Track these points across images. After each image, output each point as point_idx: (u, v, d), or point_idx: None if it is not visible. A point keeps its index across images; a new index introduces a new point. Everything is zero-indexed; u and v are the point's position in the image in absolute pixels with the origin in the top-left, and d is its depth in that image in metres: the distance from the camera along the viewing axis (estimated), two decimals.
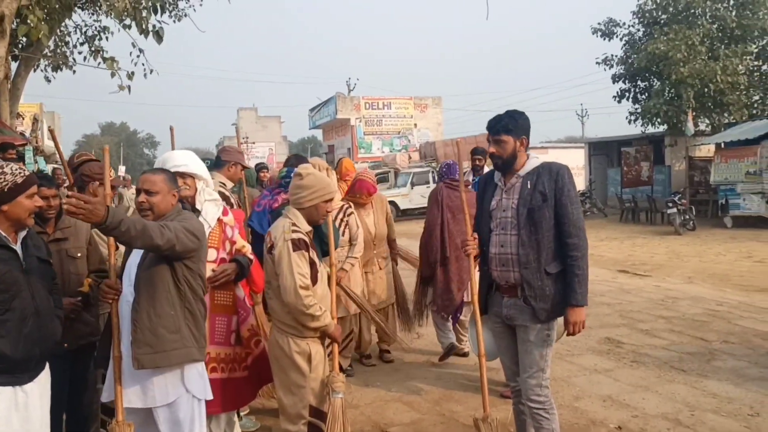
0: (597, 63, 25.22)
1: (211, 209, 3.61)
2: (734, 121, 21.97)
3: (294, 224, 3.46)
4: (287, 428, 3.53)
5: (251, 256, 3.85)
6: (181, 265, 3.01)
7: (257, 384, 3.73)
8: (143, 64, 9.53)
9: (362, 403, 5.11)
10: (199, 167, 3.64)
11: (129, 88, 8.67)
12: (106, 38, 10.82)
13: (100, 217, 2.52)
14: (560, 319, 3.45)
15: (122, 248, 3.23)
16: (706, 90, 21.28)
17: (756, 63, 23.10)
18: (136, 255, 3.07)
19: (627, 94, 25.11)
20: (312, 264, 3.47)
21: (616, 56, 24.89)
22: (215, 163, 5.00)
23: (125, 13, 7.96)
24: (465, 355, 6.15)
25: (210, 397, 3.21)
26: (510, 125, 3.42)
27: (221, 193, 4.80)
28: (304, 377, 3.47)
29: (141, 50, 9.50)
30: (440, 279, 5.77)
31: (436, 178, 6.48)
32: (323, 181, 3.62)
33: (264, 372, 3.71)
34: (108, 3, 8.10)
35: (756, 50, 22.62)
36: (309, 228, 3.56)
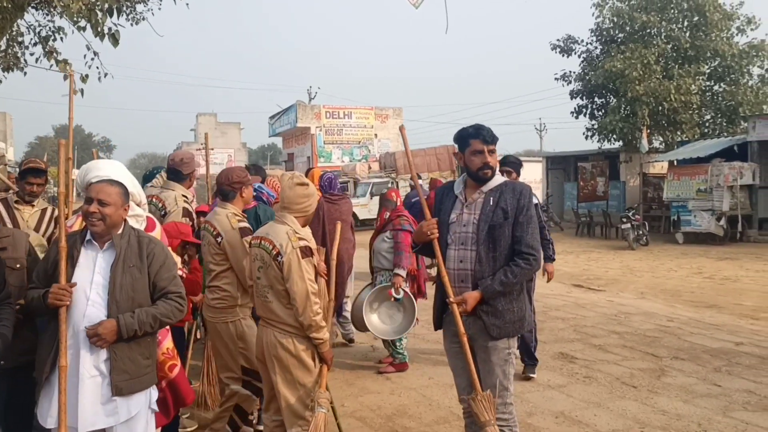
0: (555, 79, 25.67)
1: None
2: (687, 139, 22.58)
3: (296, 231, 3.61)
4: (294, 423, 3.59)
5: (179, 272, 3.72)
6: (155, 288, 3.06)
7: (173, 407, 3.58)
8: (97, 67, 9.31)
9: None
10: (123, 180, 3.41)
11: (82, 91, 8.45)
12: (61, 39, 10.54)
13: (115, 337, 2.85)
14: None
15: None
16: (660, 108, 21.82)
17: (708, 83, 23.80)
18: (88, 271, 2.94)
19: (584, 110, 25.56)
20: (314, 268, 3.67)
21: (574, 72, 25.35)
22: (176, 176, 4.82)
23: (80, 15, 7.75)
24: (351, 341, 7.33)
25: (157, 408, 3.18)
26: (496, 137, 3.44)
27: (185, 209, 4.65)
28: (310, 374, 3.61)
29: (95, 53, 9.27)
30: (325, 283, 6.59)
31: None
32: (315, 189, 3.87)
33: (179, 396, 3.57)
34: (62, 4, 7.87)
35: (708, 71, 23.30)
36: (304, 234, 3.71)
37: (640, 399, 5.38)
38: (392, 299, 5.97)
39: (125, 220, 3.11)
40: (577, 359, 6.59)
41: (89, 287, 2.92)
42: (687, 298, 10.33)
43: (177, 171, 4.80)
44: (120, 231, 3.04)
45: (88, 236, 3.01)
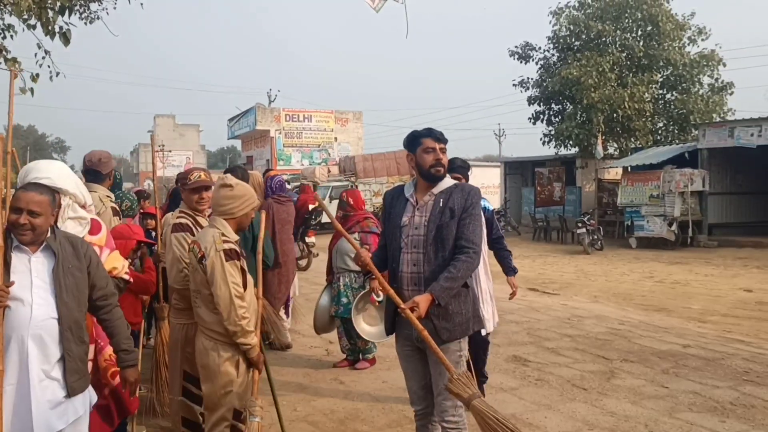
0: (514, 85, 26.03)
1: (73, 228, 3.36)
2: (640, 146, 23.12)
3: (223, 234, 3.53)
4: (213, 429, 3.58)
5: (126, 276, 3.65)
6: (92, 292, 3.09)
7: (116, 416, 3.51)
8: (48, 66, 9.10)
9: (265, 424, 4.96)
10: (66, 182, 3.37)
11: (32, 90, 8.24)
12: (11, 37, 10.29)
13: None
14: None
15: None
16: (614, 115, 22.30)
17: (660, 92, 24.42)
18: (24, 275, 2.83)
19: (542, 116, 25.97)
20: (243, 272, 3.57)
21: (532, 79, 25.72)
22: (95, 177, 4.67)
23: (30, 12, 7.57)
24: (289, 346, 7.16)
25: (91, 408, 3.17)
26: (446, 138, 3.48)
27: (114, 209, 4.58)
28: (231, 383, 3.55)
29: (47, 51, 9.06)
30: (273, 281, 6.60)
31: (266, 193, 6.96)
32: (250, 190, 3.75)
33: (122, 405, 3.52)
34: (11, 1, 7.68)
35: (661, 79, 23.89)
36: (236, 237, 3.63)
37: (589, 401, 5.47)
38: (376, 303, 5.84)
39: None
40: (529, 362, 6.67)
41: (29, 291, 2.84)
42: (638, 301, 10.56)
43: (96, 171, 4.62)
44: (49, 234, 2.97)
45: (15, 242, 2.91)
